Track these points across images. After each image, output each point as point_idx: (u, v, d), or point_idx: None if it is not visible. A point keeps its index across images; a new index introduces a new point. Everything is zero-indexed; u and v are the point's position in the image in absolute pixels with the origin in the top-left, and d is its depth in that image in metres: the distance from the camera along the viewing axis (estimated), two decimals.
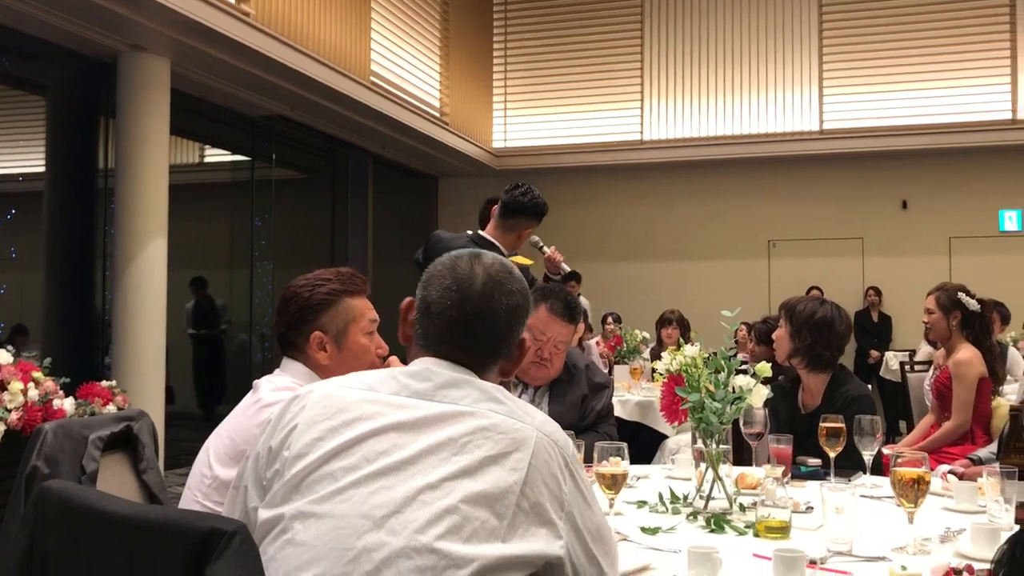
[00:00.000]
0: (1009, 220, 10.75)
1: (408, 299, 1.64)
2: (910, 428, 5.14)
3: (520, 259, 3.98)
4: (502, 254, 3.69)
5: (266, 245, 9.53)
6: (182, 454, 7.08)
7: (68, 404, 3.75)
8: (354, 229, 10.84)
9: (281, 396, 1.92)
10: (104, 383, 4.12)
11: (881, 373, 8.96)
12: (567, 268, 4.27)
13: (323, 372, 2.07)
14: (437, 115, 10.49)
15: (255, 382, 2.12)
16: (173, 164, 7.11)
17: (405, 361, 1.63)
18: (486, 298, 1.54)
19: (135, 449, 2.38)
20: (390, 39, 9.52)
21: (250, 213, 9.44)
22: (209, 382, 9.61)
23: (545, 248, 4.33)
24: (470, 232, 4.01)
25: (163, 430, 6.35)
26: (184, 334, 9.06)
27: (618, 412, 4.85)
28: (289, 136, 9.74)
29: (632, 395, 5.80)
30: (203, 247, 9.86)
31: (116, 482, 2.31)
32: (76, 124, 7.32)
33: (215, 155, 10.44)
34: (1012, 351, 6.54)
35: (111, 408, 3.96)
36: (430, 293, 1.57)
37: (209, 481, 1.98)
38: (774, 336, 3.38)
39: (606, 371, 6.42)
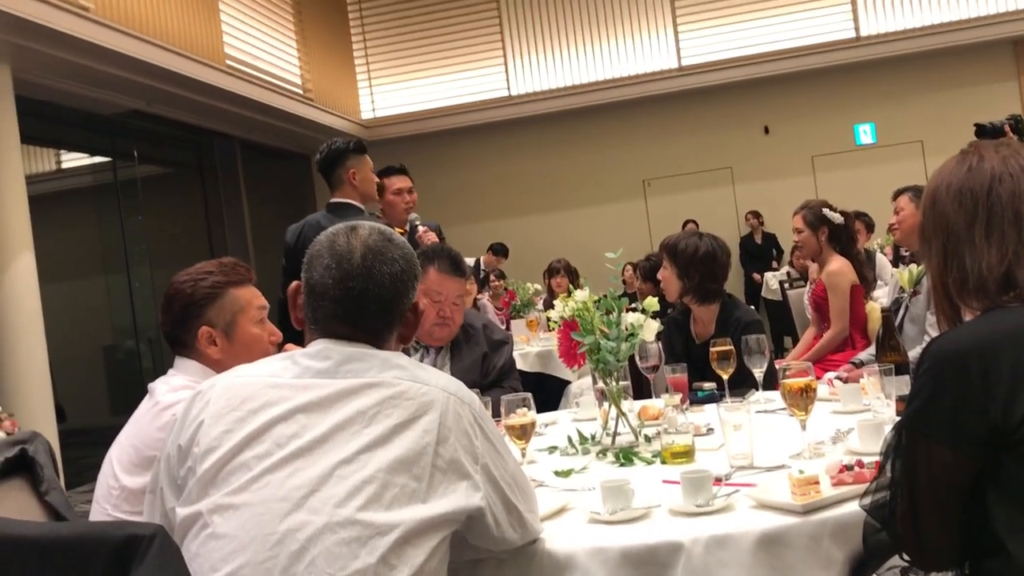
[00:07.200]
0: (864, 134, 11.26)
1: (295, 283, 1.63)
2: (796, 343, 5.38)
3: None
4: (360, 211, 3.94)
5: (140, 247, 9.19)
6: (83, 471, 6.85)
7: None
8: (230, 220, 10.54)
9: (179, 396, 1.89)
10: None
11: (763, 294, 9.30)
12: None
13: (216, 367, 2.04)
14: (300, 92, 10.27)
15: (150, 386, 2.08)
16: (29, 174, 6.77)
17: (303, 346, 1.63)
18: (367, 270, 1.54)
19: (33, 472, 2.30)
20: (241, 19, 9.23)
21: (118, 215, 9.08)
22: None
23: (419, 227, 4.44)
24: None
25: (59, 449, 6.12)
26: (71, 348, 8.67)
27: (520, 365, 4.93)
28: (149, 131, 9.38)
29: (532, 347, 5.89)
30: (73, 256, 9.45)
31: (17, 508, 2.23)
32: None
33: (73, 159, 9.99)
34: (879, 256, 6.89)
35: (0, 435, 3.81)
36: (312, 275, 1.57)
37: (117, 491, 1.95)
38: (660, 277, 3.49)
39: (504, 328, 6.49)
